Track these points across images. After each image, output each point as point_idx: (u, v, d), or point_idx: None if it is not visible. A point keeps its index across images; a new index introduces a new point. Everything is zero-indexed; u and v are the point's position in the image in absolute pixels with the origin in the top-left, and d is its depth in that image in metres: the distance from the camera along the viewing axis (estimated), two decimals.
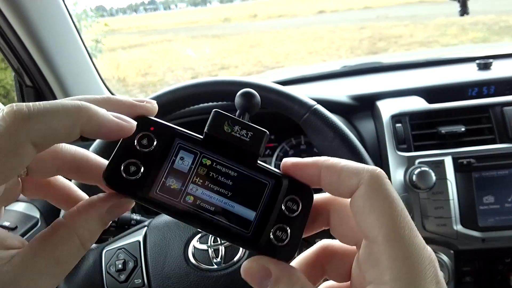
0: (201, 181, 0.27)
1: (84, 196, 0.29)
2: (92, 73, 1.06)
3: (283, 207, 0.27)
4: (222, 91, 0.67)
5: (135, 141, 0.27)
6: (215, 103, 0.69)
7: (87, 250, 0.25)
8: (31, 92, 0.95)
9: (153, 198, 0.27)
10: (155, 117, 0.28)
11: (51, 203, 0.29)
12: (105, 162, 0.27)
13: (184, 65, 6.79)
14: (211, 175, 0.27)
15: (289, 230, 0.27)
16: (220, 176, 0.28)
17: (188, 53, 8.08)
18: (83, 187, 0.31)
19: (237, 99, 0.31)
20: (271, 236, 0.27)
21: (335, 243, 0.29)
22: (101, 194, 0.27)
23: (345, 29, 8.83)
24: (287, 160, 0.28)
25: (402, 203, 0.24)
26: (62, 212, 0.63)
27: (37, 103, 0.22)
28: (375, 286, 0.23)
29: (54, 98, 0.96)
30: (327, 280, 0.30)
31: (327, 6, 14.70)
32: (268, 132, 0.29)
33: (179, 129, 0.28)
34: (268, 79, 1.07)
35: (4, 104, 1.12)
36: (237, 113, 0.30)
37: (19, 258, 0.22)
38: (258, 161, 0.29)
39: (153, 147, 0.27)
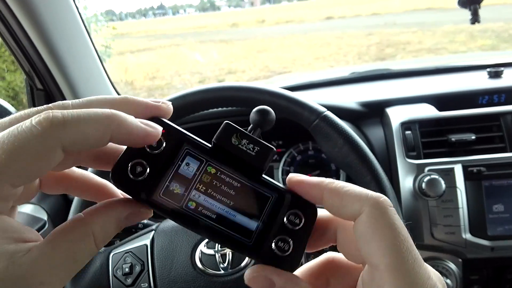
0: (204, 188, 0.28)
1: (104, 182, 0.29)
2: (103, 77, 1.07)
3: (285, 220, 0.28)
4: (232, 97, 0.67)
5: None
6: (224, 108, 0.69)
7: (99, 250, 0.25)
8: (42, 95, 0.96)
9: (156, 201, 0.27)
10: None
11: (73, 195, 0.29)
12: (123, 147, 0.27)
13: (192, 70, 6.82)
14: (214, 183, 0.28)
15: (291, 242, 0.27)
16: (223, 186, 0.28)
17: (195, 57, 8.12)
18: (100, 173, 0.31)
19: (252, 114, 0.31)
20: (273, 246, 0.27)
21: (341, 256, 0.29)
22: (122, 197, 0.27)
23: (352, 35, 8.83)
24: (293, 176, 0.28)
25: (407, 232, 0.24)
26: (71, 214, 0.63)
27: (70, 110, 0.22)
28: None
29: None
30: None
31: (334, 12, 14.71)
32: (275, 149, 0.29)
33: (188, 135, 0.28)
34: (275, 84, 1.07)
35: (14, 106, 1.13)
36: (249, 128, 0.30)
37: (37, 251, 0.22)
38: (263, 175, 0.29)
39: (161, 149, 0.27)
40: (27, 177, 0.22)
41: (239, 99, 0.66)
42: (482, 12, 0.93)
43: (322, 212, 0.28)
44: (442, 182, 0.75)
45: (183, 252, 0.67)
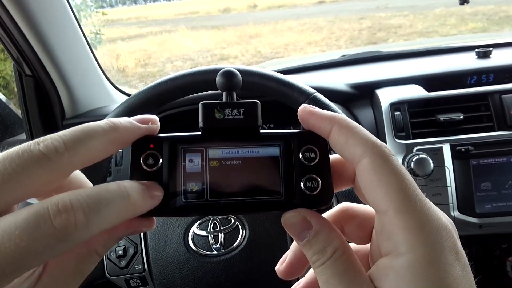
0: (218, 172, 0.28)
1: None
2: (92, 63, 1.06)
3: (301, 159, 0.28)
4: None
5: (142, 165, 0.27)
6: (215, 91, 0.69)
7: (101, 257, 0.26)
8: (31, 81, 0.95)
9: (182, 209, 0.27)
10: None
11: None
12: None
13: (184, 56, 6.76)
14: (224, 163, 0.28)
15: (317, 177, 0.27)
16: (233, 160, 0.28)
17: (187, 44, 8.04)
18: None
19: (219, 80, 0.30)
20: (304, 190, 0.27)
21: (355, 206, 0.30)
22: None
23: (345, 19, 8.79)
24: (306, 107, 0.28)
25: (411, 176, 0.24)
26: None
27: (87, 207, 0.21)
28: (392, 258, 0.23)
29: (54, 87, 0.96)
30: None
31: None
32: (259, 102, 0.29)
33: (177, 135, 0.28)
34: (267, 69, 1.07)
35: (5, 95, 1.12)
36: (223, 97, 0.30)
37: (48, 278, 0.24)
38: (261, 131, 0.29)
39: (160, 162, 0.27)
40: None
41: None
42: None
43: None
44: (431, 161, 0.76)
45: (176, 234, 0.68)
